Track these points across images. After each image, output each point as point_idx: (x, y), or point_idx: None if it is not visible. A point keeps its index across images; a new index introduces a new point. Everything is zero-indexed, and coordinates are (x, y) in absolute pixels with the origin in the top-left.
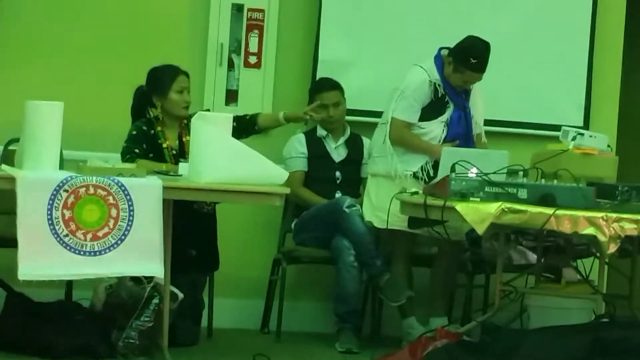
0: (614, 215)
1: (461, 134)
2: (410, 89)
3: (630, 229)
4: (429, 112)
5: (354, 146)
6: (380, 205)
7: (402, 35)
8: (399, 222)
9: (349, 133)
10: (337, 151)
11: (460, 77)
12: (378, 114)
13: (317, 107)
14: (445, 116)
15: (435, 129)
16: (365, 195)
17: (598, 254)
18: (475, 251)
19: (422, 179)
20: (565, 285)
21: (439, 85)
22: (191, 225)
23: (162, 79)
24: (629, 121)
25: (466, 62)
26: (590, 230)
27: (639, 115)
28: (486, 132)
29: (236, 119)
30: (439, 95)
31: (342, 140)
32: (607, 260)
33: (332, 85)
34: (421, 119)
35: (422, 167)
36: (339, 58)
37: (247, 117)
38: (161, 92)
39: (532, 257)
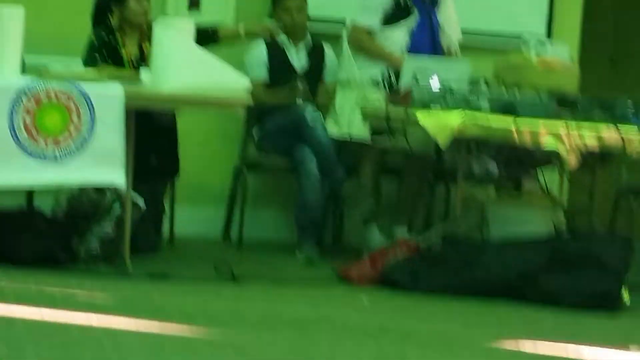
0: (575, 126)
1: (425, 42)
2: None
3: (590, 139)
4: (391, 18)
5: (315, 54)
6: (342, 114)
7: None
8: (363, 133)
9: (310, 40)
10: (299, 58)
11: None
12: (341, 23)
13: (281, 12)
14: (409, 22)
15: (397, 36)
16: (334, 105)
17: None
18: (438, 160)
19: (383, 85)
20: (525, 195)
21: None
22: (152, 135)
23: None
24: (592, 31)
25: None
26: (550, 142)
27: (603, 25)
28: None
29: (197, 30)
30: (401, 0)
31: (303, 47)
32: (566, 171)
33: None
34: (382, 24)
35: (382, 73)
36: None
37: (209, 30)
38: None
39: (494, 167)
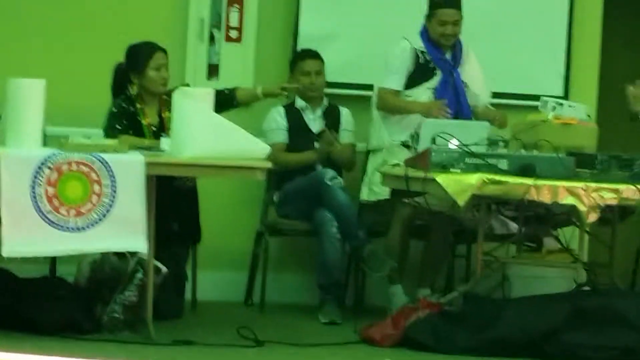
0: (594, 184)
1: (450, 102)
2: (393, 56)
3: (609, 198)
4: (415, 79)
5: (332, 117)
6: (373, 179)
7: (383, 8)
8: (383, 195)
9: (326, 104)
10: (316, 123)
11: (437, 22)
12: (360, 87)
13: (299, 75)
14: (432, 82)
15: (422, 96)
16: (351, 167)
17: (578, 223)
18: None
19: (413, 147)
20: (545, 254)
21: (421, 52)
22: (173, 200)
23: (138, 56)
24: (609, 90)
25: (436, 4)
26: (570, 200)
27: (619, 83)
28: None
29: (215, 93)
30: (423, 62)
31: (319, 111)
32: (587, 229)
33: (313, 54)
34: (407, 87)
35: (411, 135)
36: (319, 31)
37: (226, 92)
38: (138, 69)
39: (513, 226)
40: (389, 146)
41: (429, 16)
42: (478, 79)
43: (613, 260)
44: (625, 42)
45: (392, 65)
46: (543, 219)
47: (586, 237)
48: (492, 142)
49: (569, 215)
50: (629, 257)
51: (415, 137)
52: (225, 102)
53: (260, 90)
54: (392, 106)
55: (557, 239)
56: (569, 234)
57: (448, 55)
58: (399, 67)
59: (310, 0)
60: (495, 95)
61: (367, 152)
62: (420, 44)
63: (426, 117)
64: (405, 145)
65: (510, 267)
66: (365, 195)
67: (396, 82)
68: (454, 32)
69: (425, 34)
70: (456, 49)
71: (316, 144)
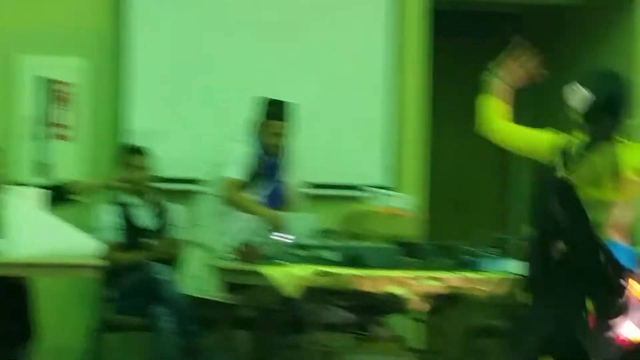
0: (420, 273)
1: (276, 202)
2: (235, 151)
3: (435, 286)
4: (249, 184)
5: (161, 212)
6: (198, 274)
7: (215, 102)
8: (215, 290)
9: (155, 199)
10: (145, 217)
11: (267, 131)
12: (190, 182)
13: (127, 170)
14: (263, 186)
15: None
16: (185, 263)
17: (408, 311)
18: (291, 312)
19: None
20: (377, 342)
21: (256, 157)
22: (3, 298)
23: None
24: (436, 179)
25: (267, 113)
26: (398, 289)
27: (446, 172)
28: None
29: (46, 190)
30: (257, 168)
31: (148, 206)
32: (417, 316)
33: (140, 149)
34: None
35: (240, 238)
36: (149, 127)
37: (58, 187)
38: None
39: (346, 315)
40: (213, 239)
41: (261, 124)
42: (297, 177)
43: (446, 345)
44: (452, 132)
45: (235, 158)
46: (374, 308)
47: (420, 324)
48: (322, 234)
49: (399, 304)
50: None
51: (245, 240)
52: (57, 198)
53: (91, 184)
54: (237, 200)
55: (387, 327)
56: (403, 323)
57: (277, 160)
58: (242, 162)
59: (140, 97)
60: (324, 186)
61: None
62: (252, 149)
63: (268, 227)
64: (229, 237)
65: (342, 357)
66: (194, 290)
67: (240, 173)
68: (281, 143)
69: (256, 139)
70: (285, 154)
71: (148, 240)
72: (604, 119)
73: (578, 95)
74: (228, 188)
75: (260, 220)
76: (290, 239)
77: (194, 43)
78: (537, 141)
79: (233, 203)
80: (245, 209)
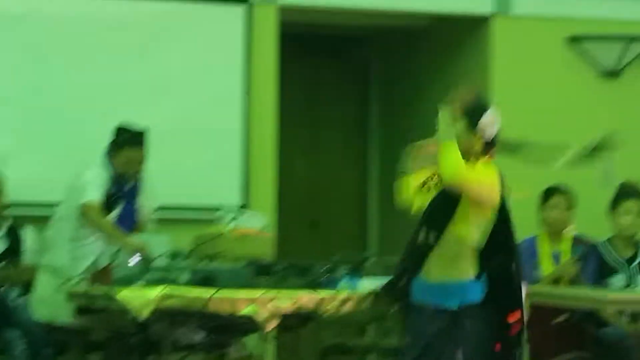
0: (272, 293)
1: (128, 223)
2: (93, 173)
3: (287, 305)
4: (104, 208)
5: (14, 237)
6: (50, 298)
7: (66, 125)
8: (67, 314)
9: (9, 223)
10: None
11: (121, 157)
12: (45, 206)
13: None
14: (116, 211)
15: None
16: (38, 288)
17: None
18: (143, 334)
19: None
20: None
21: (110, 181)
22: None
23: None
24: (287, 197)
25: (122, 142)
26: (249, 309)
27: (297, 190)
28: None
29: None
30: (111, 192)
31: (2, 231)
32: (270, 336)
33: None
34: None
35: (93, 262)
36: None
37: None
38: None
39: (199, 336)
40: (64, 264)
41: (114, 152)
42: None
43: None
44: (302, 149)
45: (93, 181)
46: (227, 328)
47: (272, 344)
48: (174, 256)
49: (252, 323)
50: None
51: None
52: None
53: None
54: (97, 224)
55: (241, 347)
56: (256, 342)
57: (131, 184)
58: (99, 185)
59: None
60: (177, 208)
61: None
62: (105, 173)
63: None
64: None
65: None
66: (47, 314)
67: (99, 196)
68: (138, 170)
69: (110, 164)
70: (138, 178)
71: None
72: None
73: (492, 121)
74: (88, 212)
75: (114, 243)
76: (143, 262)
77: (40, 65)
78: None
79: (93, 226)
80: (104, 233)
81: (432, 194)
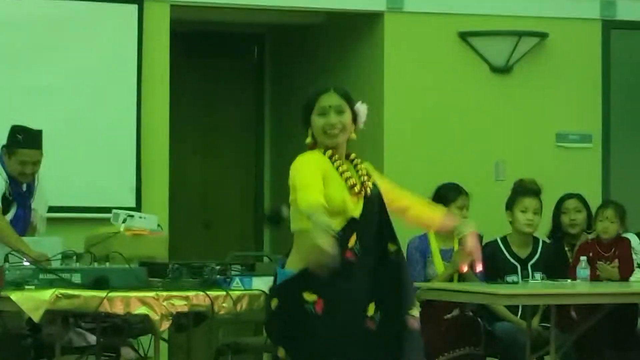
0: (165, 293)
1: (22, 225)
2: None
3: (180, 305)
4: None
5: None
6: None
7: None
8: None
9: None
10: None
11: (17, 161)
12: None
13: None
14: (10, 214)
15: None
16: None
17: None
18: (36, 337)
19: None
20: None
21: (4, 183)
22: None
23: None
24: (180, 197)
25: (17, 143)
26: (143, 310)
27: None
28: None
29: None
30: (6, 194)
31: None
32: (161, 336)
33: None
34: None
35: None
36: None
37: None
38: None
39: (92, 338)
40: None
41: (9, 153)
42: (42, 201)
43: None
44: (196, 150)
45: None
46: (120, 329)
47: (164, 344)
48: (65, 257)
49: (146, 324)
50: None
51: None
52: None
53: None
54: (4, 238)
55: (133, 348)
56: (149, 342)
57: (25, 186)
58: None
59: None
60: (69, 209)
61: None
62: (1, 174)
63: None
64: None
65: None
66: None
67: None
68: (34, 171)
69: (4, 165)
70: (32, 180)
71: None
72: None
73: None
74: None
75: (10, 246)
76: (35, 263)
77: None
78: None
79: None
80: (2, 236)
81: None
